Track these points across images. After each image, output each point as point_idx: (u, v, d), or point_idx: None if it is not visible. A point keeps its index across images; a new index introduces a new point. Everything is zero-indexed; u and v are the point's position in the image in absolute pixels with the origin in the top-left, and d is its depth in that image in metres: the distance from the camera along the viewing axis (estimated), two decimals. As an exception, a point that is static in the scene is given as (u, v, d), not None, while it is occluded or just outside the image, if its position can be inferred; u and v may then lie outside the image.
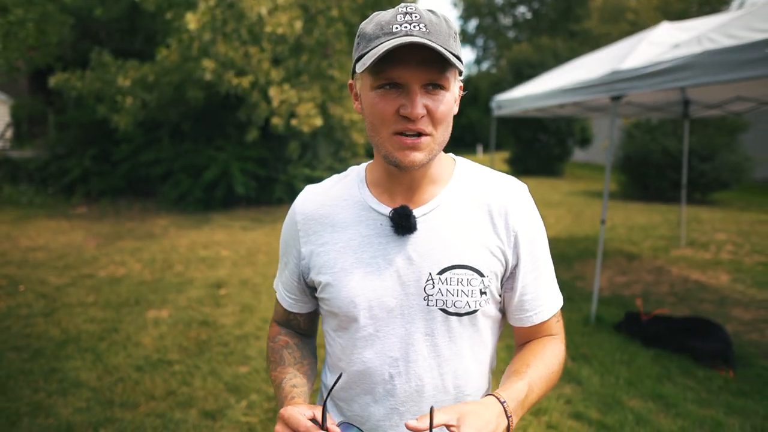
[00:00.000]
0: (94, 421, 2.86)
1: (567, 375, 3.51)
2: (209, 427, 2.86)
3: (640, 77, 3.98)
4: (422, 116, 0.89)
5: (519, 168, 18.31)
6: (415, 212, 1.00)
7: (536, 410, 3.03)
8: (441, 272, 0.98)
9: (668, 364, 3.71)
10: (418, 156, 0.92)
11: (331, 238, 1.03)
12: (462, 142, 32.91)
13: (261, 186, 10.45)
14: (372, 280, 0.99)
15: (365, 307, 0.99)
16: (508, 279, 1.04)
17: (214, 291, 5.23)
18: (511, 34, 41.88)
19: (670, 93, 6.13)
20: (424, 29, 0.88)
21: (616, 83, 4.26)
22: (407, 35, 0.87)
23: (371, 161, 1.09)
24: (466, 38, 44.11)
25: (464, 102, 33.16)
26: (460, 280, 0.98)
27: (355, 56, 0.94)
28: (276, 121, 8.13)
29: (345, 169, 1.15)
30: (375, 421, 1.03)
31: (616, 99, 4.40)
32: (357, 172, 1.10)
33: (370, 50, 0.89)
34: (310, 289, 1.11)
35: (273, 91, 7.87)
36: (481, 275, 0.99)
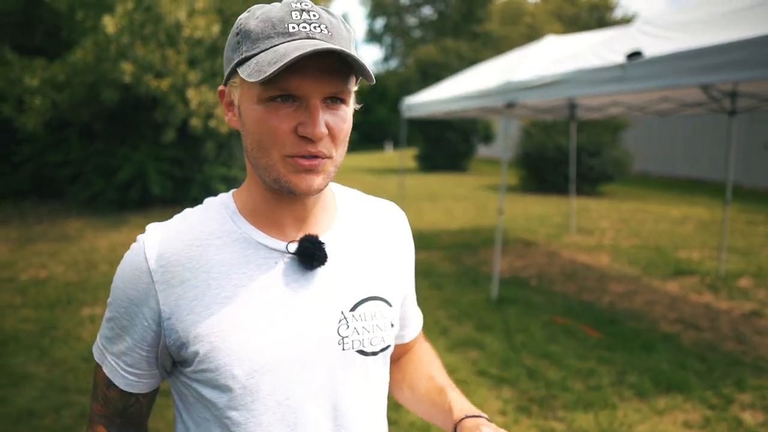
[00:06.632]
0: (54, 407, 3.10)
1: (472, 342, 4.11)
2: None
3: (529, 88, 4.67)
4: (324, 136, 0.76)
5: (427, 164, 19.29)
6: None
7: (448, 370, 3.60)
8: (353, 308, 0.85)
9: (555, 329, 4.42)
10: (316, 180, 0.78)
11: (208, 288, 0.80)
12: (371, 139, 33.86)
13: (177, 186, 10.47)
14: (276, 335, 0.80)
15: (272, 369, 0.80)
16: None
17: (144, 288, 5.41)
18: (417, 33, 43.21)
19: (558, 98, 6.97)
20: (326, 31, 0.75)
21: (509, 92, 4.93)
22: (308, 38, 0.74)
23: (235, 190, 0.92)
24: (374, 37, 45.04)
25: (373, 100, 34.15)
26: (373, 314, 0.87)
27: (236, 58, 0.78)
28: (194, 122, 8.27)
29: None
30: None
31: (509, 106, 5.08)
32: (221, 203, 0.90)
33: (260, 52, 0.74)
34: (170, 360, 0.85)
35: (191, 93, 8.02)
36: (390, 305, 0.91)
